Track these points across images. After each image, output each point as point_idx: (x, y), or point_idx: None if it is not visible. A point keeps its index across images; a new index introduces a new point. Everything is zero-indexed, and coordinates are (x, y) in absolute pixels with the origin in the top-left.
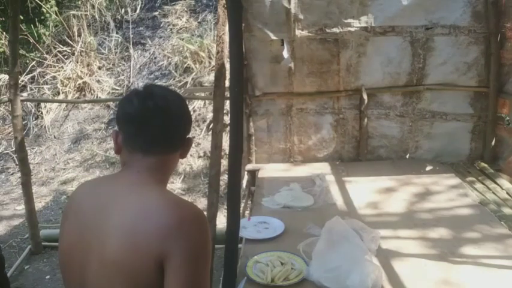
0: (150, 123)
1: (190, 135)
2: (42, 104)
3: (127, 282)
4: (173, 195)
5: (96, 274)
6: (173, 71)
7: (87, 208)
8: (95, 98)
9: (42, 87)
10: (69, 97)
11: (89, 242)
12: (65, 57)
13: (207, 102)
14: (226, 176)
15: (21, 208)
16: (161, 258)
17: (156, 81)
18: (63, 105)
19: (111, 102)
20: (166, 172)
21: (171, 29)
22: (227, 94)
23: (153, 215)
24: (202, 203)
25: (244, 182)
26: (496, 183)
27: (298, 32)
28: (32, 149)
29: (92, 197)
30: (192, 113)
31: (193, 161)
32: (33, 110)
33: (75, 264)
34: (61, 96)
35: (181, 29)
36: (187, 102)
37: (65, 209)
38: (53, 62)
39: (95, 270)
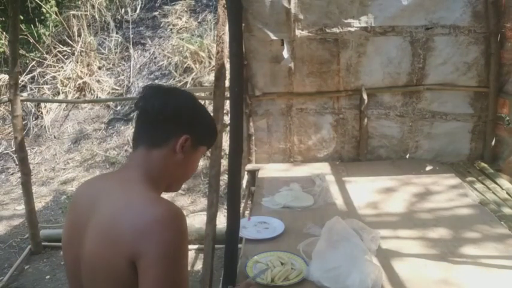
0: (139, 116)
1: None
2: (42, 104)
3: (107, 279)
4: (153, 193)
5: (85, 269)
6: (173, 71)
7: (81, 204)
8: (95, 98)
9: (42, 87)
10: (69, 97)
11: (81, 237)
12: (65, 57)
13: (207, 102)
14: (226, 176)
15: (21, 208)
16: (134, 257)
17: (156, 81)
18: (63, 105)
19: (111, 102)
20: (152, 169)
21: (171, 29)
22: (227, 94)
23: (128, 213)
24: (202, 203)
25: (244, 182)
26: (496, 183)
27: (298, 32)
28: (32, 149)
29: (87, 193)
30: None
31: None
32: (33, 110)
33: (71, 259)
34: (61, 96)
35: (181, 29)
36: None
37: (69, 205)
38: (53, 62)
39: (83, 265)
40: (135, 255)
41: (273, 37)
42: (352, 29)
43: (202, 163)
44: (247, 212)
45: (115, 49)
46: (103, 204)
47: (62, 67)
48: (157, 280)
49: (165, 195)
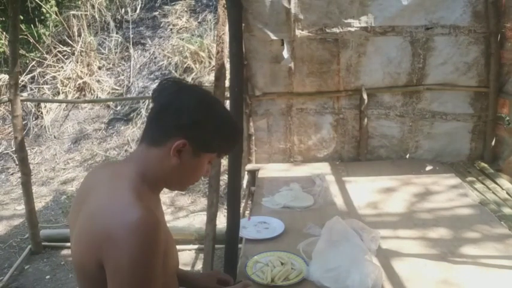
0: (150, 110)
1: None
2: (42, 104)
3: (84, 278)
4: (132, 196)
5: (73, 263)
6: (173, 71)
7: (80, 193)
8: (95, 98)
9: (42, 87)
10: (69, 97)
11: (72, 230)
12: (65, 57)
13: None
14: (226, 176)
15: (21, 208)
16: (102, 260)
17: (156, 81)
18: (63, 105)
19: (111, 102)
20: (148, 168)
21: (171, 29)
22: (227, 94)
23: (104, 214)
24: (202, 203)
25: (244, 182)
26: (496, 183)
27: (298, 32)
28: (32, 149)
29: (87, 183)
30: None
31: None
32: (33, 110)
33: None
34: (61, 96)
35: (181, 29)
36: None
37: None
38: (53, 62)
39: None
40: (103, 258)
41: (273, 37)
42: (352, 29)
43: None
44: (247, 212)
45: (115, 49)
46: (91, 198)
47: (62, 67)
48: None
49: (165, 194)
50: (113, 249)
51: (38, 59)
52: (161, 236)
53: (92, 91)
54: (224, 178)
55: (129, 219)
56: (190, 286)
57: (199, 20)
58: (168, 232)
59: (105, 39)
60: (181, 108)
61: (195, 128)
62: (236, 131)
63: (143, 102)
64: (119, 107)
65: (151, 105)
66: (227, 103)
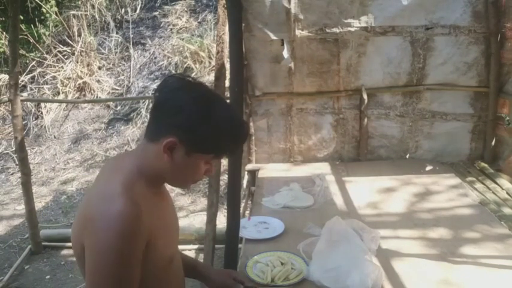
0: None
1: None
2: (42, 104)
3: (78, 260)
4: (121, 187)
5: None
6: (173, 71)
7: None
8: (95, 98)
9: (42, 87)
10: (69, 97)
11: None
12: (65, 57)
13: None
14: (226, 176)
15: (21, 208)
16: (83, 245)
17: (156, 81)
18: (63, 105)
19: (111, 102)
20: (145, 163)
21: (171, 29)
22: (227, 94)
23: (91, 202)
24: (202, 203)
25: (244, 182)
26: (496, 183)
27: (298, 32)
28: (32, 149)
29: (98, 175)
30: None
31: None
32: (33, 110)
33: None
34: (61, 96)
35: (181, 29)
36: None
37: None
38: (53, 62)
39: None
40: (84, 242)
41: (273, 37)
42: (352, 29)
43: None
44: (247, 212)
45: (115, 49)
46: (93, 187)
47: (62, 67)
48: (90, 274)
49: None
50: (92, 234)
51: (38, 59)
52: (140, 228)
53: (92, 91)
54: (224, 178)
55: (111, 208)
56: (203, 279)
57: (199, 20)
58: (165, 225)
59: (105, 39)
60: (175, 107)
61: (187, 128)
62: (236, 134)
63: (143, 102)
64: (119, 107)
65: (151, 104)
66: None
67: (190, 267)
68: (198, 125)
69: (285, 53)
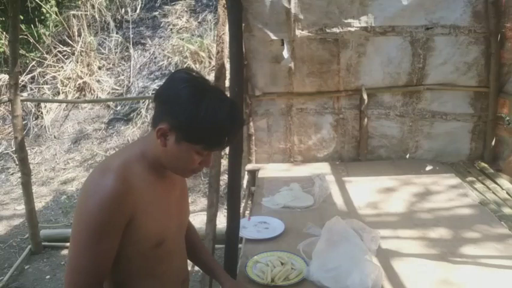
0: None
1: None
2: (42, 104)
3: None
4: (116, 166)
5: None
6: (173, 71)
7: None
8: (95, 98)
9: (42, 87)
10: (69, 97)
11: None
12: (65, 57)
13: None
14: (226, 176)
15: (21, 208)
16: None
17: (156, 81)
18: (63, 105)
19: (111, 102)
20: (148, 149)
21: (171, 29)
22: (227, 94)
23: (89, 176)
24: (202, 203)
25: (244, 182)
26: (496, 183)
27: (298, 32)
28: (32, 149)
29: None
30: None
31: None
32: (33, 110)
33: None
34: (61, 96)
35: (181, 29)
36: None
37: None
38: (53, 62)
39: None
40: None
41: (273, 37)
42: (352, 29)
43: None
44: (247, 212)
45: (115, 49)
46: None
47: (62, 67)
48: (71, 241)
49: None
50: (80, 204)
51: (38, 59)
52: (122, 203)
53: (92, 91)
54: (224, 178)
55: (99, 182)
56: (218, 283)
57: (199, 20)
58: (160, 208)
59: (105, 39)
60: (171, 95)
61: (176, 116)
62: (220, 127)
63: (143, 102)
64: (119, 107)
65: (151, 104)
66: None
67: (208, 267)
68: (186, 114)
69: (285, 53)
